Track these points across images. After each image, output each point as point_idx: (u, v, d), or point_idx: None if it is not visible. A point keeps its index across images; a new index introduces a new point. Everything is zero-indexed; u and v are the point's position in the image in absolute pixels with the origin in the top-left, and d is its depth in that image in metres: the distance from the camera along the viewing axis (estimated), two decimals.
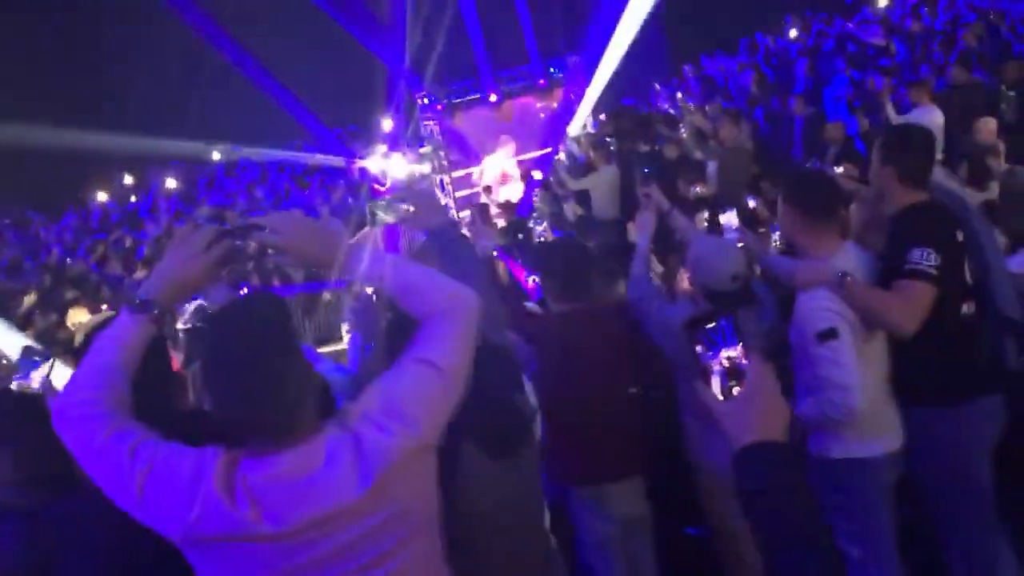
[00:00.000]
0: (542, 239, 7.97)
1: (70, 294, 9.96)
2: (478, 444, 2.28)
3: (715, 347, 1.42)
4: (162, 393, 2.22)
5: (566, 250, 3.90)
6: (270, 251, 1.87)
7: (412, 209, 2.51)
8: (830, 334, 2.96)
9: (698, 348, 1.45)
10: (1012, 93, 8.55)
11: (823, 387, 2.98)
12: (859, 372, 2.95)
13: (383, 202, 2.82)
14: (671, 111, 12.62)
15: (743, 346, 1.43)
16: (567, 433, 3.41)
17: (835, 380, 2.94)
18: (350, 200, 14.62)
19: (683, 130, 10.92)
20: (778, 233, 4.96)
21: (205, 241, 1.86)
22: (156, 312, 1.84)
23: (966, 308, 3.18)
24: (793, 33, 14.34)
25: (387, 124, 16.09)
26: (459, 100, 14.32)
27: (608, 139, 11.37)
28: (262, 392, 1.63)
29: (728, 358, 1.42)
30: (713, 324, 1.43)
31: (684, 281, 4.20)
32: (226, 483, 1.63)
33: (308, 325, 9.58)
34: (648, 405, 3.63)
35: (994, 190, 5.75)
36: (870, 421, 3.07)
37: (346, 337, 6.29)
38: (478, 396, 1.85)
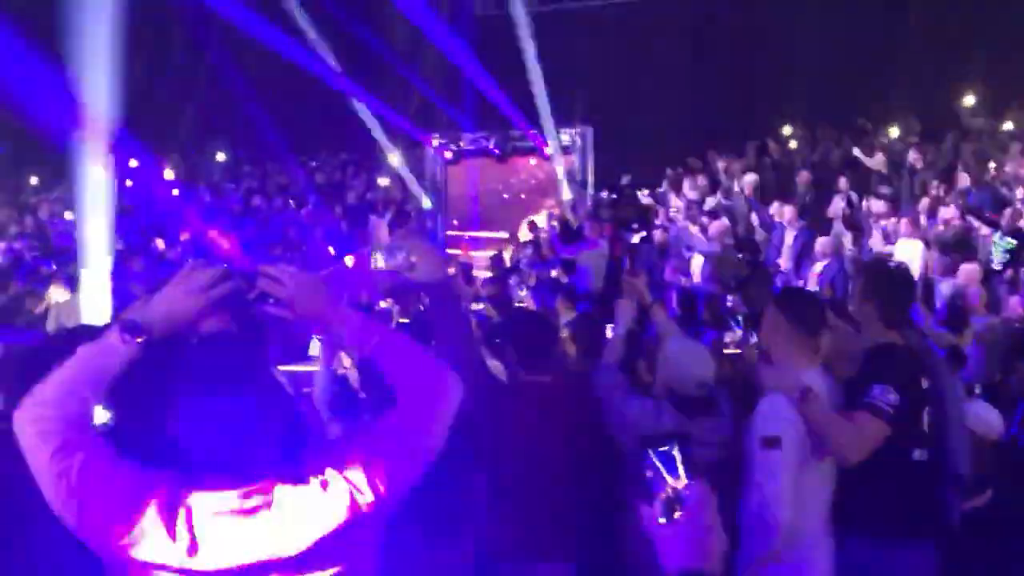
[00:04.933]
0: (521, 304, 8.02)
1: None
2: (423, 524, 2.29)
3: (665, 470, 1.45)
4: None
5: (527, 323, 3.93)
6: (270, 300, 1.90)
7: (413, 259, 2.53)
8: (774, 442, 3.00)
9: (647, 471, 1.48)
10: (1011, 240, 8.75)
11: (755, 494, 3.01)
12: (793, 488, 2.97)
13: (383, 247, 2.85)
14: (669, 197, 12.82)
15: (688, 473, 1.47)
16: (505, 508, 3.39)
17: (766, 489, 2.98)
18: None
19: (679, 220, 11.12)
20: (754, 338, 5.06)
21: (211, 280, 1.90)
22: (145, 338, 1.85)
23: (918, 454, 3.23)
24: (793, 144, 14.64)
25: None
26: (469, 148, 14.58)
27: (604, 216, 11.52)
28: (222, 426, 1.65)
29: (673, 488, 1.45)
30: (666, 448, 1.47)
31: (647, 375, 4.23)
32: (169, 513, 1.64)
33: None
34: (589, 491, 3.62)
35: (968, 337, 5.88)
36: (804, 552, 3.09)
37: (316, 347, 6.22)
38: (439, 475, 1.86)
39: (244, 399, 1.69)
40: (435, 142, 14.93)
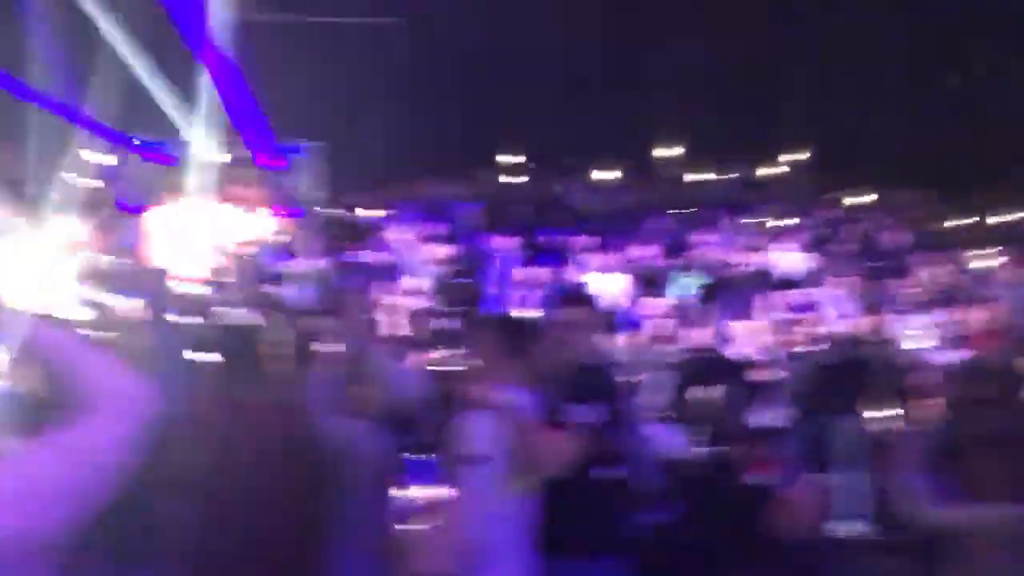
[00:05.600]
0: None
1: None
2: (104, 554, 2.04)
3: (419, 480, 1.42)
4: None
5: (231, 335, 3.74)
6: None
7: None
8: (474, 458, 3.07)
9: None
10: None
11: (451, 509, 3.05)
12: (488, 504, 3.04)
13: None
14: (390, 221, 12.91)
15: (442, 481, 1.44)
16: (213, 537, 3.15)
17: (464, 503, 3.03)
18: None
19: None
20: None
21: None
22: None
23: (608, 471, 3.43)
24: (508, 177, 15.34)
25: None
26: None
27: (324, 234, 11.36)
28: None
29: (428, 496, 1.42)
30: (423, 457, 1.43)
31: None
32: None
33: None
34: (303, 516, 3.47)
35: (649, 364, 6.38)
36: (499, 569, 3.15)
37: None
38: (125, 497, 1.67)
39: None
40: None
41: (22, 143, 15.29)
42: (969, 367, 4.21)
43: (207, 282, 10.12)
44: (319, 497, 3.47)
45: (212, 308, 7.67)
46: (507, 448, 3.12)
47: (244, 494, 3.23)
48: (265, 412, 3.41)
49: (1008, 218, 13.37)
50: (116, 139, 13.80)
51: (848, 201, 13.72)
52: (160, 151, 13.78)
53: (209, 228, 12.62)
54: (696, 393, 4.52)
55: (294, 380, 4.44)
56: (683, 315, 7.23)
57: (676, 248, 11.43)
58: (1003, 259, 10.71)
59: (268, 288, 9.45)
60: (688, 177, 14.85)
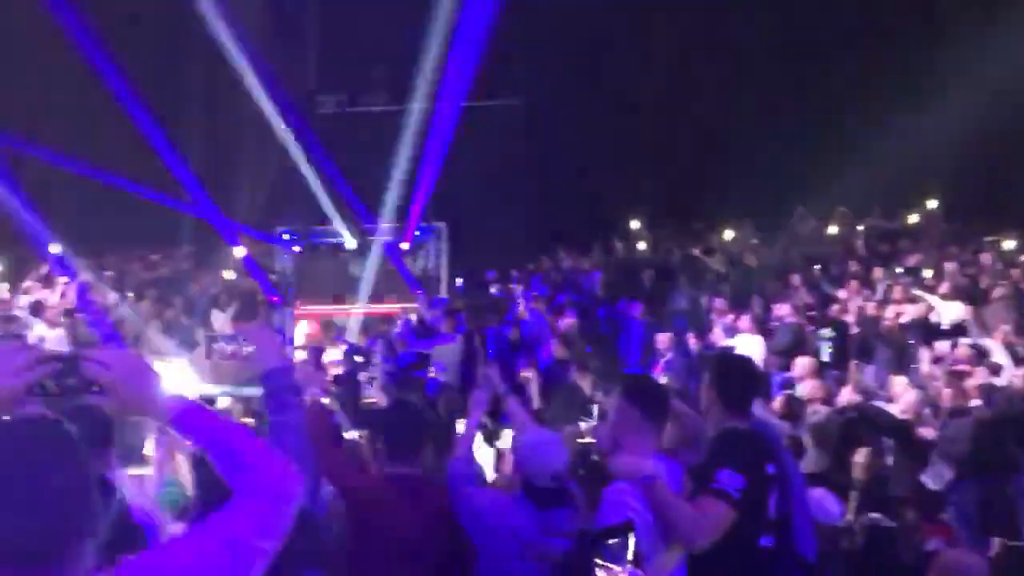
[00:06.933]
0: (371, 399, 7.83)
1: None
2: None
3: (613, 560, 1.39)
4: None
5: (402, 411, 3.82)
6: (95, 388, 1.72)
7: (249, 349, 2.41)
8: (620, 530, 2.98)
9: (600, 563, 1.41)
10: (829, 332, 9.37)
11: None
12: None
13: (221, 337, 2.70)
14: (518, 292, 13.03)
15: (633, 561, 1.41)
16: None
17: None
18: None
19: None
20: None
21: (28, 363, 1.70)
22: None
23: (765, 541, 3.26)
24: (642, 245, 15.32)
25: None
26: (318, 242, 14.46)
27: (459, 312, 11.56)
28: (23, 506, 1.43)
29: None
30: (616, 540, 1.41)
31: (508, 465, 4.18)
32: None
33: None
34: None
35: (804, 428, 6.12)
36: None
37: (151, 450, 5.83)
38: (272, 571, 1.69)
39: (50, 478, 1.47)
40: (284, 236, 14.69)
41: (176, 244, 16.55)
42: None
43: (354, 363, 10.50)
44: (467, 569, 3.48)
45: (362, 388, 7.96)
46: (650, 520, 3.03)
47: (401, 564, 3.28)
48: (419, 485, 3.47)
49: None
50: (262, 235, 14.71)
51: (995, 245, 12.95)
52: (303, 242, 14.53)
53: (350, 312, 13.17)
54: (854, 455, 4.29)
55: (442, 454, 4.52)
56: (833, 373, 6.94)
57: (820, 304, 11.02)
58: None
59: (409, 366, 9.71)
60: (828, 230, 14.39)
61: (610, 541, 1.32)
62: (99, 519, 1.56)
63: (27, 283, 14.86)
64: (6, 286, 15.26)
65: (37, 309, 12.55)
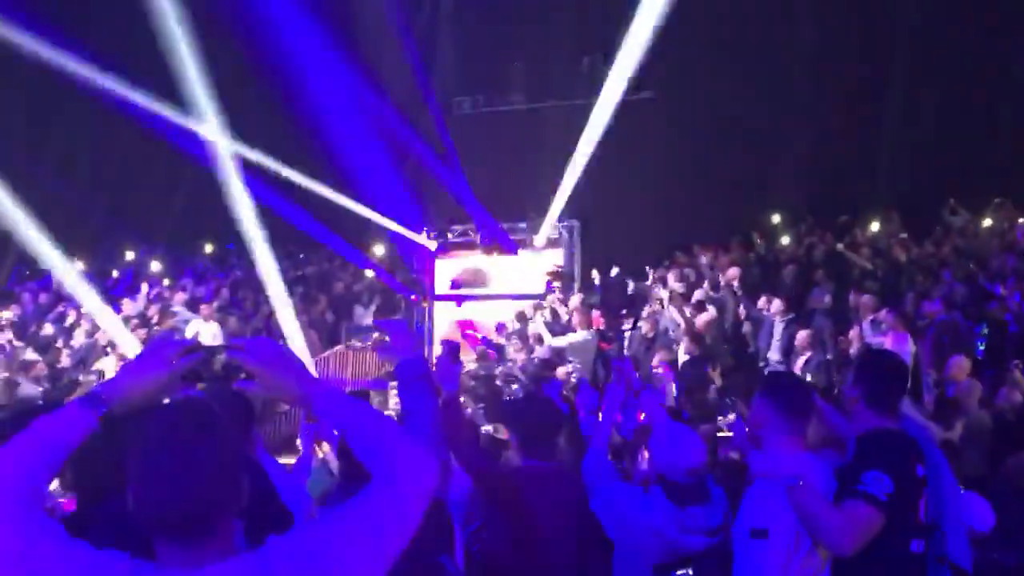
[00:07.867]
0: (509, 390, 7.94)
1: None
2: None
3: None
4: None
5: (536, 404, 3.88)
6: (241, 375, 1.84)
7: (385, 338, 2.49)
8: (762, 532, 2.91)
9: None
10: (984, 330, 8.82)
11: None
12: None
13: (357, 330, 2.82)
14: (655, 289, 12.88)
15: None
16: None
17: None
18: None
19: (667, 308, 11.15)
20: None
21: (178, 353, 1.84)
22: (105, 411, 1.76)
23: (916, 546, 3.12)
24: (782, 239, 14.86)
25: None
26: (456, 240, 14.80)
27: (593, 307, 11.54)
28: (178, 477, 1.54)
29: None
30: (683, 572, 1.41)
31: (644, 462, 4.16)
32: None
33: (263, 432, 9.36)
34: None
35: (958, 430, 5.80)
36: None
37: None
38: (406, 558, 1.75)
39: (206, 449, 1.58)
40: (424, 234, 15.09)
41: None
42: None
43: (499, 358, 10.71)
44: (602, 562, 3.50)
45: (497, 382, 8.11)
46: (794, 522, 2.94)
47: (535, 555, 3.33)
48: (554, 477, 3.51)
49: None
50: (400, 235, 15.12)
51: None
52: (441, 239, 14.89)
53: (486, 309, 13.41)
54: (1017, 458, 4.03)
55: (576, 448, 4.55)
56: (989, 373, 6.54)
57: (975, 300, 10.37)
58: None
59: (544, 361, 9.80)
60: (984, 223, 13.50)
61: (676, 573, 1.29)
62: (243, 493, 1.66)
63: (184, 280, 15.89)
64: (167, 282, 16.36)
65: (193, 305, 13.43)
